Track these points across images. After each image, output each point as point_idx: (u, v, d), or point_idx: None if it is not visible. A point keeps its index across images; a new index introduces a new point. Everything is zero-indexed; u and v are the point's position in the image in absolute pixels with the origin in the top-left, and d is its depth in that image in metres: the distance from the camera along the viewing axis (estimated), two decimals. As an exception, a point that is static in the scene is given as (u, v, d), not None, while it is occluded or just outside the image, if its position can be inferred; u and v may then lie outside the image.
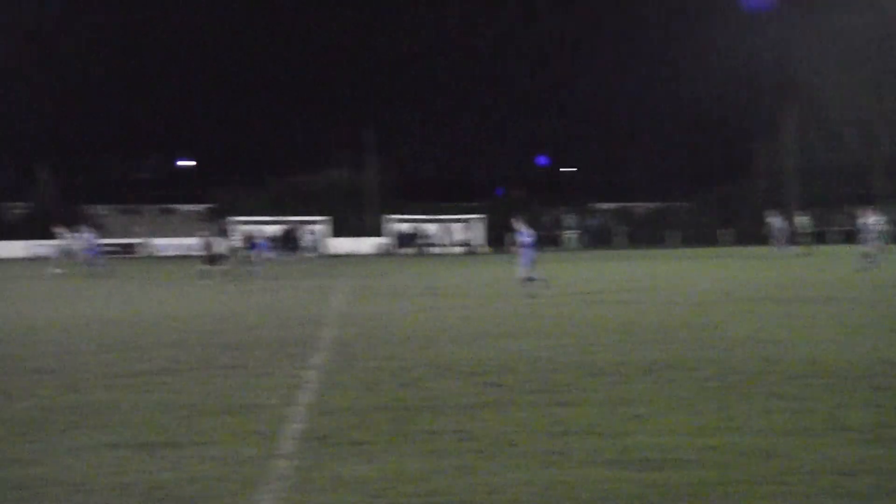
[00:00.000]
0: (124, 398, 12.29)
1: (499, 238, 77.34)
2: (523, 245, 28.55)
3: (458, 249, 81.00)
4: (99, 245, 49.41)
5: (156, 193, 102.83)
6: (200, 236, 42.50)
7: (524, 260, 28.54)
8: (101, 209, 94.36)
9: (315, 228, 74.40)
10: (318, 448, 9.57)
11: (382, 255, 76.90)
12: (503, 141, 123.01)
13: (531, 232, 28.80)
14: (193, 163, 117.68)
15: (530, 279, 28.56)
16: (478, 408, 11.42)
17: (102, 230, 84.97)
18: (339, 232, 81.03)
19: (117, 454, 9.41)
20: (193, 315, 24.15)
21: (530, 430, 10.25)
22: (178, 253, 75.77)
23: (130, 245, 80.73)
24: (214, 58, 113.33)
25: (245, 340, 18.26)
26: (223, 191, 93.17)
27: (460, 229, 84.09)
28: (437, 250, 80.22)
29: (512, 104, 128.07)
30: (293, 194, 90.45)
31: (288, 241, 71.97)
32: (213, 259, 39.54)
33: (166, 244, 79.94)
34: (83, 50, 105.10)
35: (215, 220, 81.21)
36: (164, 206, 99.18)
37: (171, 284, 37.12)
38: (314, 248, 61.45)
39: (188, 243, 63.43)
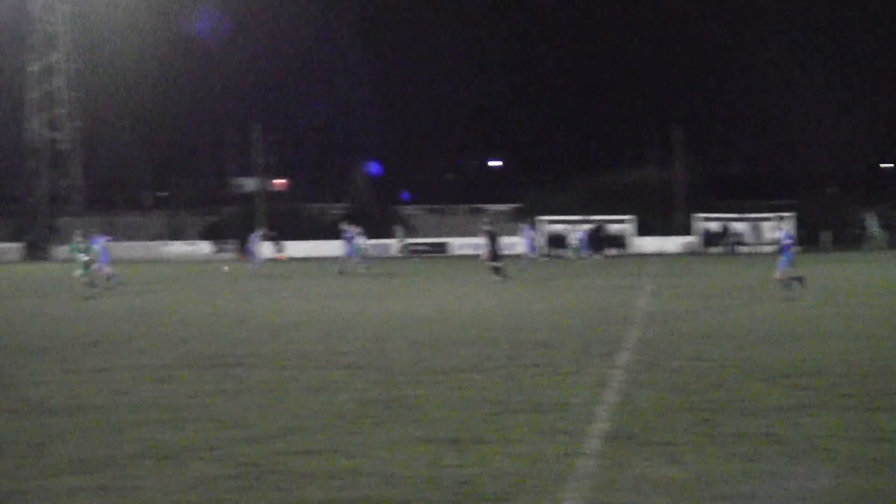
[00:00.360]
0: (434, 394, 12.58)
1: (811, 237, 74.70)
2: (784, 245, 27.78)
3: (767, 248, 78.86)
4: (357, 246, 50.53)
5: (466, 194, 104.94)
6: (484, 235, 42.94)
7: (784, 260, 27.70)
8: (412, 209, 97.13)
9: (582, 229, 73.69)
10: (623, 447, 9.52)
11: (689, 253, 75.83)
12: (817, 136, 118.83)
13: (790, 232, 28.10)
14: (501, 163, 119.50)
15: (797, 279, 27.65)
16: (788, 410, 11.10)
17: (414, 230, 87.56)
18: (645, 231, 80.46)
19: (427, 448, 9.64)
20: (499, 312, 24.48)
21: (844, 435, 9.89)
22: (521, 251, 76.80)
23: (440, 244, 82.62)
24: (525, 60, 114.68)
25: (551, 339, 18.38)
26: (531, 191, 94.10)
27: (771, 228, 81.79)
28: (746, 249, 78.41)
29: (826, 99, 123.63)
30: (600, 193, 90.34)
31: (595, 241, 71.93)
32: (496, 257, 39.93)
33: (475, 243, 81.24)
34: (394, 55, 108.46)
35: (522, 220, 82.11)
36: (472, 205, 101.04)
37: (477, 282, 37.68)
38: (582, 248, 61.16)
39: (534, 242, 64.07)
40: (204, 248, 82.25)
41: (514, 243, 57.48)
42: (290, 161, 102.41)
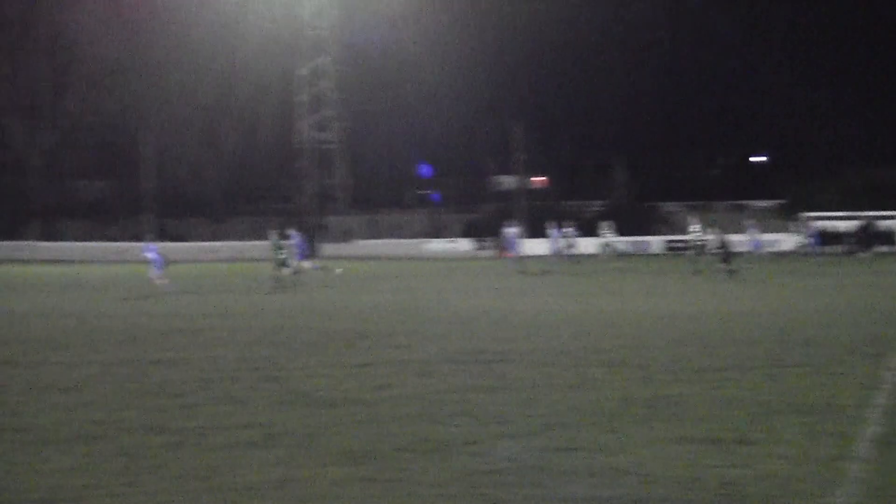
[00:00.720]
0: (695, 393, 12.40)
1: None
2: None
3: None
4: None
5: (728, 189, 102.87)
6: (713, 234, 41.97)
7: None
8: (671, 206, 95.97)
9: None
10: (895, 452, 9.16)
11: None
12: None
13: None
14: (765, 158, 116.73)
15: None
16: None
17: (674, 227, 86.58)
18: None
19: (688, 448, 9.50)
20: (760, 310, 23.91)
21: None
22: (745, 249, 75.37)
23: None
24: (787, 50, 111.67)
25: (816, 338, 17.83)
26: (796, 186, 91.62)
27: None
28: None
29: None
30: (870, 187, 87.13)
31: (862, 238, 69.34)
32: (726, 257, 38.82)
33: (735, 241, 79.47)
34: (655, 48, 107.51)
35: (790, 217, 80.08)
36: (734, 202, 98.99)
37: (737, 281, 36.90)
38: (812, 244, 58.98)
39: (759, 240, 62.45)
40: (464, 245, 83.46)
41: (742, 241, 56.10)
42: (549, 159, 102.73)
